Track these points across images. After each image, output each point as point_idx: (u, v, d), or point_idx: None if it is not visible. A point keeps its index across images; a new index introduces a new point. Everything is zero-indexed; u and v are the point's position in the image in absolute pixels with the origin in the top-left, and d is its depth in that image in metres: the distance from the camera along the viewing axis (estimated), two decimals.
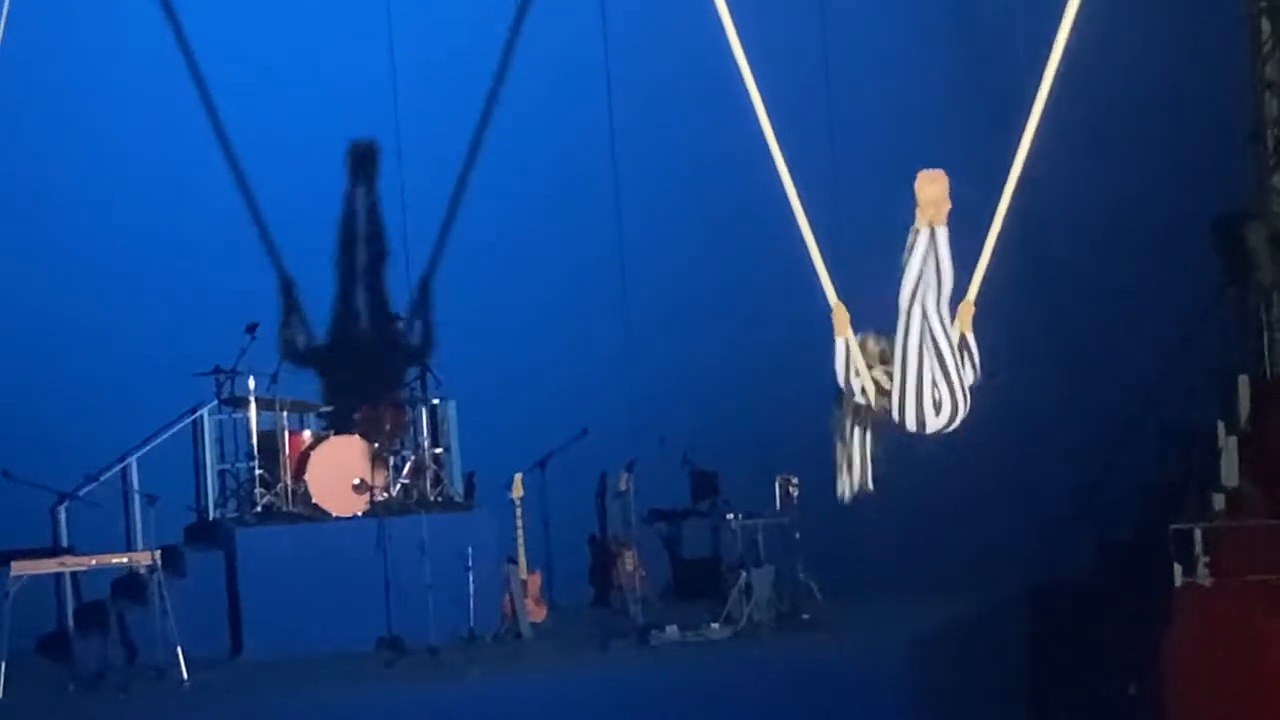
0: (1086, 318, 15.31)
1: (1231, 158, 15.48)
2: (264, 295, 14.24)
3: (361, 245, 14.49)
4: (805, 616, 13.30)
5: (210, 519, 14.08)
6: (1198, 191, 15.18)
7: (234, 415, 14.07)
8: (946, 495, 14.22)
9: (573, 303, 14.80)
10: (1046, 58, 8.51)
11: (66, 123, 13.89)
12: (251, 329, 13.70)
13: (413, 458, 13.89)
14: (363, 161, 14.48)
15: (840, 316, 8.08)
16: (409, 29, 14.50)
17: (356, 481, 13.47)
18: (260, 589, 13.05)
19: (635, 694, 12.32)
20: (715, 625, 13.15)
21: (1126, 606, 13.31)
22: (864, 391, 7.99)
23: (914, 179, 7.71)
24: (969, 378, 8.14)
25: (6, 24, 10.07)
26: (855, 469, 7.94)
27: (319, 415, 14.24)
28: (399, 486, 13.77)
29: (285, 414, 13.69)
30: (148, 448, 13.87)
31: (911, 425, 7.73)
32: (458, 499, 14.07)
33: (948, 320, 7.84)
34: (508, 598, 13.42)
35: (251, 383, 13.70)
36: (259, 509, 13.59)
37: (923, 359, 7.77)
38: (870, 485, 7.93)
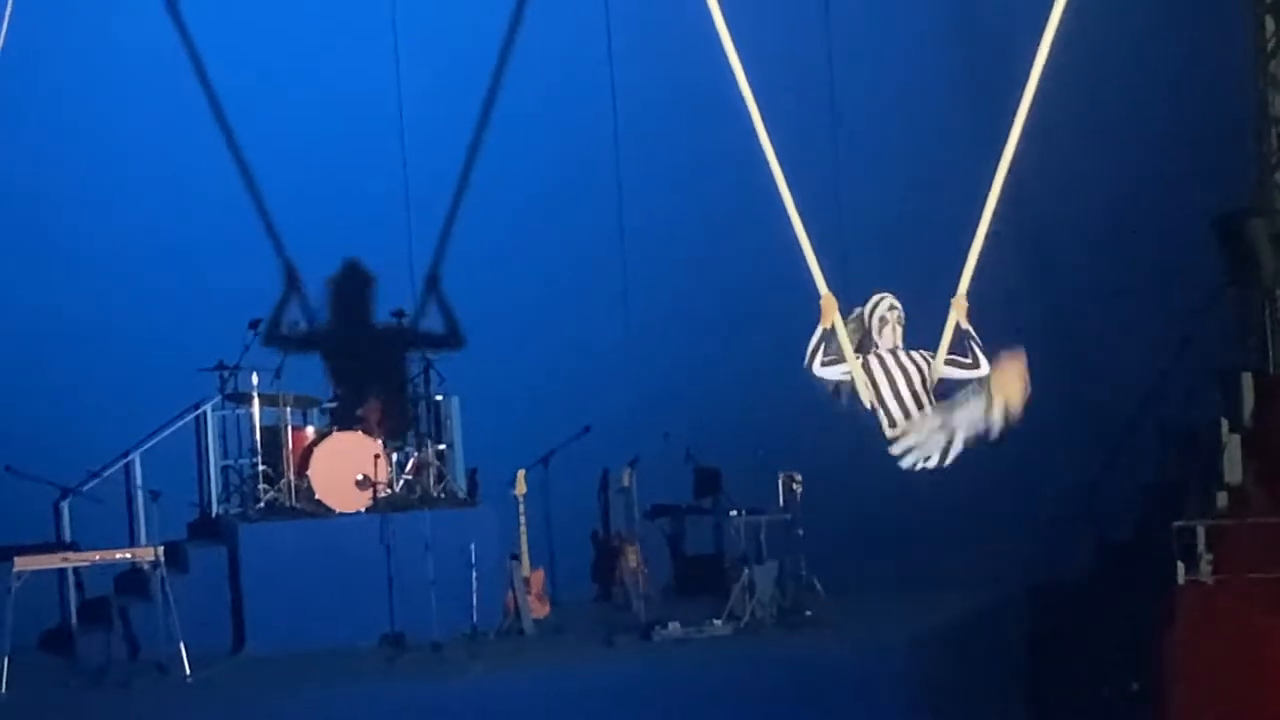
0: (1088, 315, 15.30)
1: (1233, 155, 15.48)
2: (267, 291, 14.24)
3: (364, 242, 14.48)
4: (807, 613, 13.32)
5: (213, 515, 14.09)
6: (1199, 189, 15.17)
7: (237, 411, 14.09)
8: (948, 493, 14.20)
9: (576, 299, 14.80)
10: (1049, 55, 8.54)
11: (69, 119, 13.88)
12: (255, 325, 13.73)
13: (415, 454, 13.90)
14: (365, 159, 14.49)
15: (829, 305, 8.19)
16: (413, 26, 14.50)
17: (359, 477, 13.48)
18: (263, 585, 13.07)
19: (638, 690, 12.34)
20: (718, 622, 13.16)
21: (1127, 605, 13.31)
22: (845, 378, 8.13)
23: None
24: (977, 372, 8.26)
25: (9, 22, 10.09)
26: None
27: (322, 411, 14.25)
28: (402, 483, 13.78)
29: (288, 410, 13.71)
30: (151, 443, 13.89)
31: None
32: (461, 495, 14.08)
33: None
34: (510, 594, 13.44)
35: (255, 378, 13.72)
36: (262, 505, 13.61)
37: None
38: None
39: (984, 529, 14.54)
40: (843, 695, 12.38)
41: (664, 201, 14.90)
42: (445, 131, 14.58)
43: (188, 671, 12.21)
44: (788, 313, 14.26)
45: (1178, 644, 12.74)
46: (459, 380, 14.26)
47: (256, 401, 13.73)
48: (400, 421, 14.17)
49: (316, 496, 13.52)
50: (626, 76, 14.86)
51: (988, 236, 8.53)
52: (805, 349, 8.75)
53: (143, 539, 13.53)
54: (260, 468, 13.73)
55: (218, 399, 14.06)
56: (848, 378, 8.55)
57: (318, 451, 13.58)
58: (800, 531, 13.54)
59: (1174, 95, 15.23)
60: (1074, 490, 14.94)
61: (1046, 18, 8.43)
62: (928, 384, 8.46)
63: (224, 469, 14.22)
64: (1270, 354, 14.83)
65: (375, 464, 13.46)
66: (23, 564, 12.42)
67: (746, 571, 13.33)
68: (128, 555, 12.88)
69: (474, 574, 13.00)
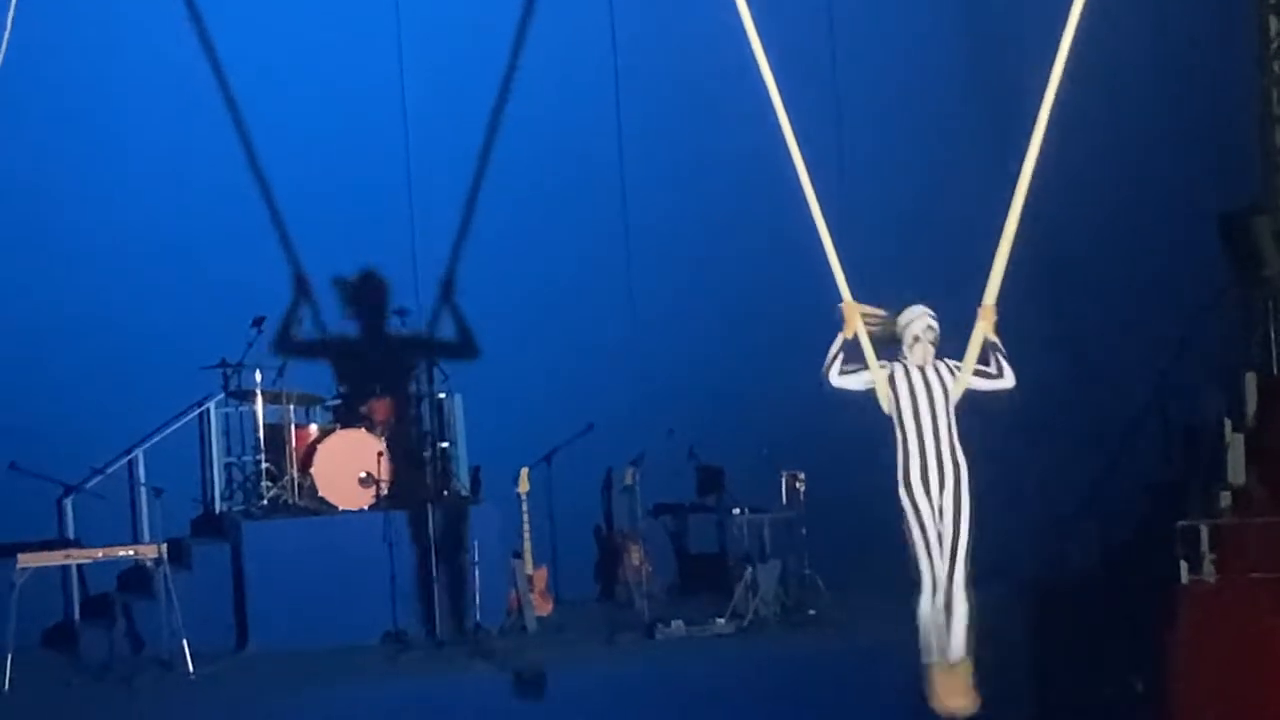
0: (1092, 314, 15.30)
1: (1238, 154, 15.47)
2: (271, 289, 14.24)
3: (367, 240, 14.47)
4: (810, 612, 13.32)
5: (216, 512, 14.09)
6: (1204, 188, 15.17)
7: (240, 408, 14.09)
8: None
9: (579, 297, 14.80)
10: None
11: (74, 116, 13.89)
12: (258, 323, 13.73)
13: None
14: (369, 156, 14.49)
15: (850, 313, 8.07)
16: (417, 23, 14.50)
17: (363, 475, 13.48)
18: (266, 582, 13.07)
19: (641, 688, 12.33)
20: (721, 620, 13.16)
21: (1130, 605, 13.30)
22: (866, 388, 8.05)
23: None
24: (1003, 383, 8.21)
25: (13, 19, 10.10)
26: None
27: (325, 408, 14.25)
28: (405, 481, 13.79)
29: (292, 407, 13.71)
30: (154, 440, 13.89)
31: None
32: (464, 493, 14.08)
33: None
34: (513, 592, 13.44)
35: (258, 376, 13.72)
36: (265, 502, 13.61)
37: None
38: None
39: (987, 528, 14.50)
40: (845, 694, 12.37)
41: (668, 199, 14.90)
42: (450, 129, 14.58)
43: (190, 668, 12.20)
44: (791, 311, 14.31)
45: (1180, 644, 12.74)
46: (463, 378, 14.26)
47: (260, 399, 13.73)
48: (404, 421, 14.16)
49: (319, 494, 13.52)
50: (631, 75, 14.86)
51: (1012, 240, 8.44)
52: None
53: (146, 536, 13.53)
54: (263, 465, 13.73)
55: (221, 396, 14.06)
56: (868, 388, 8.44)
57: (321, 449, 13.58)
58: (803, 530, 13.54)
59: (1179, 95, 15.23)
60: (1077, 489, 14.94)
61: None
62: (950, 402, 8.36)
63: (227, 466, 14.21)
64: (1274, 354, 14.82)
65: (378, 462, 13.46)
66: (26, 561, 12.41)
67: (750, 570, 13.32)
68: (131, 552, 12.88)
69: (477, 572, 13.00)
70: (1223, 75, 15.44)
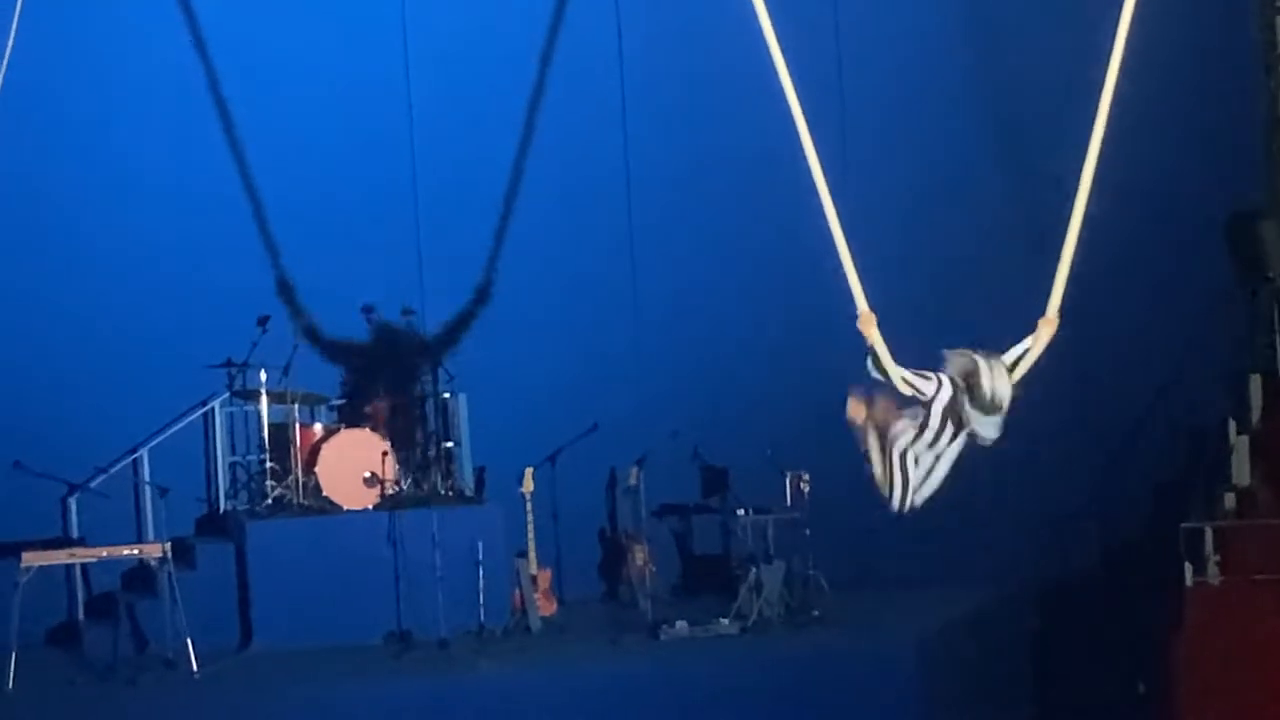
0: (1096, 316, 15.28)
1: (1244, 157, 15.46)
2: (276, 288, 14.25)
3: (370, 239, 14.48)
4: (815, 612, 13.31)
5: (221, 511, 14.09)
6: (1210, 190, 15.16)
7: (245, 408, 14.10)
8: (956, 492, 14.18)
9: (584, 297, 14.81)
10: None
11: (77, 117, 13.90)
12: (263, 322, 13.74)
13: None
14: (373, 156, 14.49)
15: (867, 323, 7.92)
16: (423, 26, 14.50)
17: (367, 475, 13.48)
18: (270, 581, 13.07)
19: (644, 689, 12.33)
20: (725, 620, 13.16)
21: (1134, 606, 13.31)
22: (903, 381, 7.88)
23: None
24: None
25: (17, 23, 10.10)
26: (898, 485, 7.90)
27: (330, 408, 14.26)
28: (409, 480, 13.79)
29: (296, 407, 13.72)
30: (159, 440, 13.90)
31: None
32: (468, 493, 14.09)
33: None
34: (517, 592, 13.44)
35: (263, 375, 13.72)
36: (269, 501, 13.61)
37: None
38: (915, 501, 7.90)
39: (991, 529, 14.53)
40: (850, 694, 12.37)
41: (673, 201, 14.90)
42: (456, 130, 14.58)
43: (195, 667, 12.20)
44: (796, 313, 14.31)
45: (1184, 645, 12.74)
46: (467, 378, 14.27)
47: (264, 398, 13.74)
48: (408, 421, 14.16)
49: (324, 493, 13.52)
50: (636, 77, 14.86)
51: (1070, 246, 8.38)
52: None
53: (150, 535, 13.55)
54: (268, 464, 13.73)
55: (226, 395, 14.07)
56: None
57: (325, 448, 13.58)
58: (807, 531, 13.53)
59: (1185, 97, 15.20)
60: (1081, 490, 14.93)
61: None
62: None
63: (232, 465, 14.22)
64: (1279, 356, 14.82)
65: (383, 461, 13.47)
66: (30, 559, 12.41)
67: (754, 570, 13.32)
68: (135, 551, 12.89)
69: (481, 572, 13.00)
70: (1230, 78, 15.42)
